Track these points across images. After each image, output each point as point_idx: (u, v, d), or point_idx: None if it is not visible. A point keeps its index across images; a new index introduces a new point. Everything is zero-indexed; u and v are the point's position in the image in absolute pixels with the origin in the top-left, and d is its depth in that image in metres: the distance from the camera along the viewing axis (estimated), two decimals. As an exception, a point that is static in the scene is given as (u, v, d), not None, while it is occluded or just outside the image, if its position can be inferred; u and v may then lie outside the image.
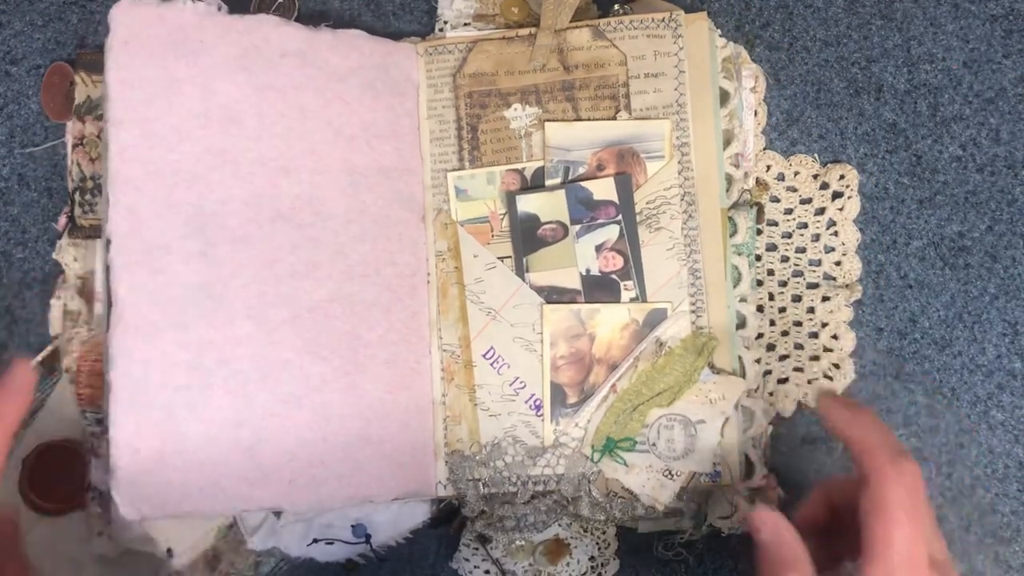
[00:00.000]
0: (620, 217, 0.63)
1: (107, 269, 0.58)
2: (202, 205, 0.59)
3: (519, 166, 0.65)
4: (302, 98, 0.62)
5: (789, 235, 0.67)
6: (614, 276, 0.63)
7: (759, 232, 0.67)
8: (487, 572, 0.65)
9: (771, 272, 0.67)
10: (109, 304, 0.58)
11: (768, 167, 0.67)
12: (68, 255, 0.66)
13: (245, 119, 0.61)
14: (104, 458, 0.61)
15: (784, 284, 0.67)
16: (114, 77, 0.58)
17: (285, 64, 0.62)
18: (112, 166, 0.58)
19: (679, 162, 0.63)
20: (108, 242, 0.57)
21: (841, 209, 0.67)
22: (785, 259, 0.67)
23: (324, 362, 0.61)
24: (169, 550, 0.63)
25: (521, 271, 0.64)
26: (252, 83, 0.61)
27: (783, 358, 0.67)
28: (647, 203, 0.63)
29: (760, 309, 0.66)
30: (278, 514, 0.63)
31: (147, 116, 0.59)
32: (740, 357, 0.63)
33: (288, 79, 0.62)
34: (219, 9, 0.61)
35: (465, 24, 0.67)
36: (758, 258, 0.67)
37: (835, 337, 0.66)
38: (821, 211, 0.67)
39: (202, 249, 0.59)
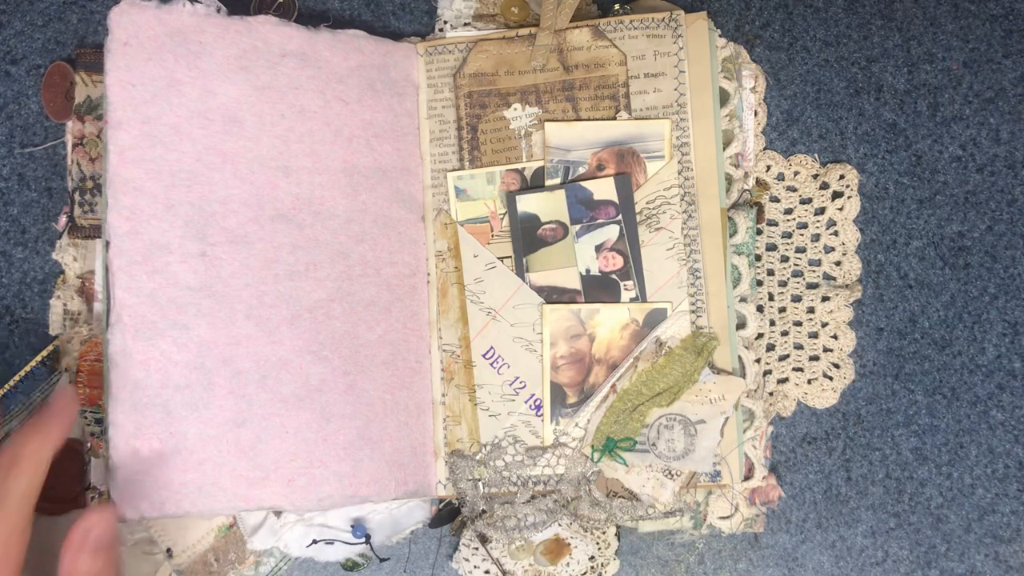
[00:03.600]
0: (620, 217, 0.63)
1: (106, 269, 0.58)
2: (201, 206, 0.60)
3: (519, 166, 0.65)
4: (302, 99, 0.62)
5: (789, 235, 0.67)
6: (614, 276, 0.63)
7: (759, 232, 0.67)
8: (487, 572, 0.65)
9: (771, 272, 0.67)
10: (108, 304, 0.58)
11: (768, 167, 0.67)
12: (68, 255, 0.66)
13: (245, 119, 0.61)
14: (104, 458, 0.62)
15: (784, 284, 0.67)
16: (113, 79, 0.59)
17: (285, 64, 0.62)
18: (111, 167, 0.58)
19: (679, 162, 0.63)
20: (107, 243, 0.58)
21: (841, 209, 0.67)
22: (785, 259, 0.67)
23: (324, 362, 0.61)
24: (169, 550, 0.63)
25: (521, 271, 0.64)
26: (251, 83, 0.61)
27: (783, 358, 0.67)
28: (647, 203, 0.63)
29: (760, 309, 0.66)
30: (278, 514, 0.63)
31: (146, 116, 0.59)
32: (740, 357, 0.63)
33: (287, 79, 0.62)
34: (218, 11, 0.61)
35: (465, 24, 0.67)
36: (758, 258, 0.67)
37: (835, 337, 0.66)
38: (821, 211, 0.67)
39: (202, 249, 0.59)
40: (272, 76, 0.62)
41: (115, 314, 0.57)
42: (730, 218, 0.64)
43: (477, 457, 0.63)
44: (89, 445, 0.64)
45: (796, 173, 0.67)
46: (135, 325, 0.57)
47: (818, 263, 0.67)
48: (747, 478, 0.64)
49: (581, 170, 0.64)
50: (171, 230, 0.59)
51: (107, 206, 0.58)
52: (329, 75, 0.63)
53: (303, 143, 0.62)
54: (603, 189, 0.63)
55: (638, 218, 0.63)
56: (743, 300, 0.64)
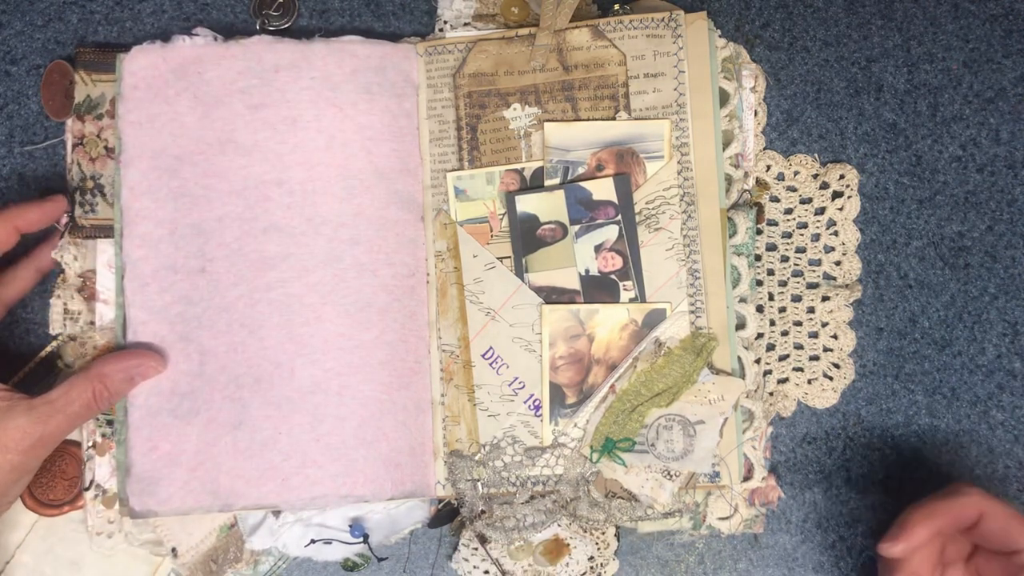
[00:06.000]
0: (619, 217, 0.63)
1: (121, 289, 0.63)
2: (201, 225, 0.63)
3: (518, 166, 0.65)
4: (294, 110, 0.64)
5: (789, 235, 0.67)
6: (613, 276, 0.63)
7: (759, 232, 0.67)
8: (487, 572, 0.65)
9: (771, 272, 0.67)
10: (124, 321, 0.62)
11: (768, 167, 0.67)
12: (68, 255, 0.66)
13: (240, 139, 0.63)
14: (113, 457, 0.63)
15: (784, 284, 0.67)
16: (125, 121, 0.63)
17: (278, 79, 0.64)
18: (124, 200, 0.63)
19: (678, 162, 0.63)
20: (123, 269, 0.63)
21: (841, 209, 0.67)
22: (785, 259, 0.67)
23: (314, 364, 0.62)
24: (174, 549, 0.63)
25: (520, 271, 0.64)
26: (245, 103, 0.64)
27: (783, 358, 0.67)
28: (646, 203, 0.63)
29: (760, 309, 0.66)
30: (276, 514, 0.63)
31: (154, 151, 0.63)
32: (739, 357, 0.63)
33: (280, 94, 0.64)
34: (215, 39, 0.65)
35: (465, 24, 0.67)
36: (758, 258, 0.67)
37: (835, 337, 0.66)
38: (821, 211, 0.67)
39: (202, 265, 0.63)
40: (265, 92, 0.64)
41: (131, 330, 0.62)
42: (730, 218, 0.64)
43: (476, 457, 0.63)
44: (92, 444, 0.64)
45: (796, 173, 0.67)
46: (147, 341, 0.62)
47: (818, 263, 0.67)
48: (747, 479, 0.64)
49: (580, 170, 0.64)
50: (176, 251, 0.63)
51: (122, 235, 0.63)
52: (323, 83, 0.64)
53: (296, 154, 0.63)
54: (602, 189, 0.63)
55: (637, 218, 0.63)
56: (743, 300, 0.64)
